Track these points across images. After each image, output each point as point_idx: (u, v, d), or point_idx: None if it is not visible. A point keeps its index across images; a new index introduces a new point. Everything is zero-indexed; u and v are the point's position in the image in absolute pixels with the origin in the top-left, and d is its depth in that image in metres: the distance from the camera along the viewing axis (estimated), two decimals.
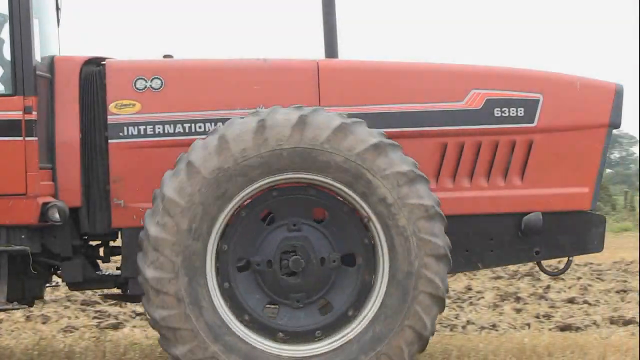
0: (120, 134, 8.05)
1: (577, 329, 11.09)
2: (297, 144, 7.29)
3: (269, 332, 7.48)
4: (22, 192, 7.74)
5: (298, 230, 7.55)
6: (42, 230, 7.96)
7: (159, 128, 8.10)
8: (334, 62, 8.50)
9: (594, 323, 11.41)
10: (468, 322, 11.43)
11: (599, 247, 8.46)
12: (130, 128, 8.07)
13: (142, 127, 8.08)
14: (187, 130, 8.11)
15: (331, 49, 8.72)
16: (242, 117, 7.54)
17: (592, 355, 9.08)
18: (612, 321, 11.49)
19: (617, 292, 14.29)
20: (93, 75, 8.20)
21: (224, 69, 8.33)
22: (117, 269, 8.45)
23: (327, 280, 7.56)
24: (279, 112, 7.41)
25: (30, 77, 7.78)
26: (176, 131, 8.11)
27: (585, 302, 13.20)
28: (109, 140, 8.04)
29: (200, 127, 8.12)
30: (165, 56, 8.64)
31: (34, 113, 7.75)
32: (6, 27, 8.02)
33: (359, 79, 8.31)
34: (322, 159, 7.29)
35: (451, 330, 10.95)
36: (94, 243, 8.53)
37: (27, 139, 7.74)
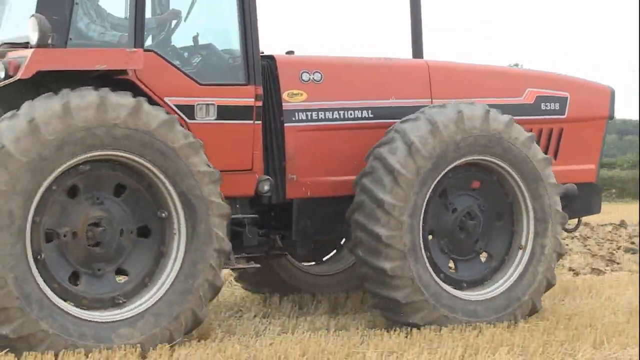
0: (293, 118, 9.54)
1: None
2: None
3: (455, 282, 9.57)
4: (248, 168, 9.13)
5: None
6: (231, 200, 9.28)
7: (321, 114, 9.69)
8: (439, 62, 10.47)
9: None
10: None
11: (599, 210, 11.27)
12: (300, 114, 9.58)
13: (308, 113, 9.63)
14: (342, 117, 9.77)
15: (417, 50, 10.68)
16: (441, 109, 9.42)
17: None
18: None
19: None
20: (265, 68, 9.53)
21: (365, 65, 10.05)
22: (262, 235, 9.75)
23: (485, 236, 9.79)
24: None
25: (259, 68, 9.13)
26: (334, 117, 9.74)
27: None
28: (285, 124, 9.51)
29: (351, 114, 9.81)
30: (287, 52, 10.09)
31: (261, 100, 9.14)
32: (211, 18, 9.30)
33: (457, 76, 10.41)
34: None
35: None
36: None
37: (256, 122, 9.12)
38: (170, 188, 8.26)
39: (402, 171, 9.11)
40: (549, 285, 9.90)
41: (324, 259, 11.49)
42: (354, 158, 9.66)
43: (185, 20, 9.48)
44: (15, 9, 9.16)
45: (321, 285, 11.27)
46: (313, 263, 11.44)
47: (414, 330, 9.03)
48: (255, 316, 10.14)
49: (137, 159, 8.15)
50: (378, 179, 9.15)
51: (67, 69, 8.18)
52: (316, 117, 9.67)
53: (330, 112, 9.74)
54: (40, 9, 8.26)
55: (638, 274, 13.45)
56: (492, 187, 9.81)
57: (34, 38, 8.05)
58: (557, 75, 11.05)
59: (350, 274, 11.29)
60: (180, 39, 9.36)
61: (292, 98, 9.57)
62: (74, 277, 8.28)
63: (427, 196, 9.29)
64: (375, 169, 9.21)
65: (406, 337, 8.84)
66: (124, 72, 8.43)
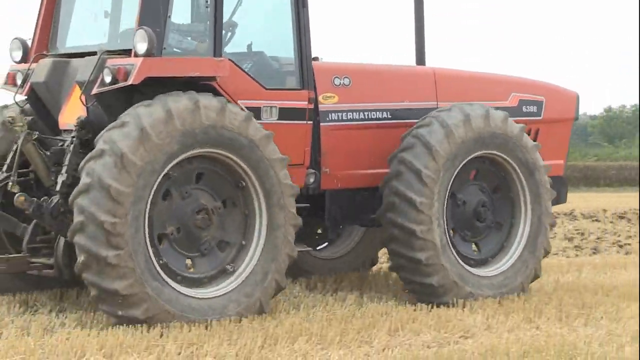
0: (327, 118, 10.83)
1: None
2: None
3: (479, 262, 11.09)
4: (301, 162, 10.42)
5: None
6: None
7: (350, 115, 11.02)
8: (442, 70, 11.91)
9: None
10: None
11: (565, 200, 12.89)
12: (332, 114, 10.88)
13: (339, 114, 10.94)
14: (366, 117, 11.13)
15: (420, 57, 12.12)
16: (450, 113, 10.80)
17: None
18: None
19: None
20: None
21: (384, 72, 11.47)
22: None
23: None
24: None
25: (311, 74, 10.43)
26: (360, 117, 11.08)
27: None
28: (321, 124, 10.78)
29: (373, 115, 11.18)
30: (312, 59, 11.30)
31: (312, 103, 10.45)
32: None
33: (457, 82, 11.89)
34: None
35: None
36: None
37: (307, 122, 10.43)
38: (251, 173, 9.52)
39: (427, 172, 10.50)
40: (546, 252, 11.53)
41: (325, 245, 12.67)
42: (375, 154, 11.06)
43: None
44: (102, 20, 10.28)
45: (326, 267, 12.52)
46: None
47: (214, 321, 9.29)
48: (51, 311, 10.00)
49: (223, 152, 9.39)
50: (406, 181, 10.51)
51: (169, 76, 9.32)
52: (345, 118, 10.98)
53: (357, 113, 11.07)
54: (142, 21, 9.36)
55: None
56: (487, 171, 11.30)
57: (142, 48, 9.18)
58: (535, 81, 12.63)
59: (349, 258, 12.77)
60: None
61: (326, 100, 10.85)
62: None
63: (448, 191, 10.73)
64: (402, 172, 10.56)
65: (206, 329, 9.03)
66: (211, 77, 9.61)
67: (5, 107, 10.33)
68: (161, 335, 8.73)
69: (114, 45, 10.04)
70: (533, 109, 12.40)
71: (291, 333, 8.88)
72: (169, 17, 9.60)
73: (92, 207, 8.82)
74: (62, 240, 9.52)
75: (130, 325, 8.93)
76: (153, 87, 9.36)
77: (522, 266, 11.23)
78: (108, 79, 9.30)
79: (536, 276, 11.45)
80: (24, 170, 9.92)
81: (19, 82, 10.29)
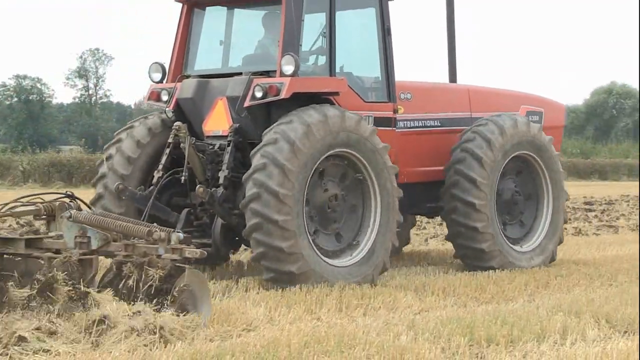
0: (398, 126, 13.43)
1: None
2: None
3: (519, 240, 13.93)
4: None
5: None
6: None
7: (412, 123, 13.70)
8: (474, 87, 14.74)
9: None
10: None
11: None
12: (401, 122, 13.53)
13: (405, 122, 13.61)
14: (423, 125, 13.86)
15: (453, 75, 14.89)
16: (488, 127, 13.55)
17: None
18: None
19: None
20: None
21: (434, 89, 14.24)
22: None
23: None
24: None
25: (394, 89, 13.05)
26: (419, 125, 13.78)
27: None
28: (395, 130, 13.39)
29: (428, 123, 13.89)
30: None
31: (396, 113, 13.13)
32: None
33: (485, 97, 14.74)
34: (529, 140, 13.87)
35: None
36: None
37: (392, 129, 13.11)
38: (364, 161, 12.06)
39: (480, 180, 13.29)
40: (565, 221, 14.55)
41: None
42: (429, 154, 13.81)
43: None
44: (218, 48, 12.74)
45: None
46: None
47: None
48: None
49: (345, 149, 11.91)
50: (464, 188, 13.27)
51: (308, 92, 11.81)
52: (409, 125, 13.66)
53: (417, 122, 13.77)
54: (284, 49, 11.83)
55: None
56: (517, 166, 14.13)
57: (289, 69, 11.65)
58: (536, 96, 15.63)
59: None
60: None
61: (398, 111, 13.44)
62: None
63: (495, 189, 13.54)
64: (459, 180, 13.34)
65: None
66: (334, 92, 12.21)
67: (157, 113, 12.70)
68: None
69: (231, 68, 12.52)
70: (536, 118, 15.30)
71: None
72: (300, 45, 12.08)
73: (266, 210, 11.15)
74: (218, 224, 11.88)
75: None
76: (286, 100, 11.80)
77: (551, 236, 14.11)
78: (259, 94, 11.73)
79: (561, 241, 14.41)
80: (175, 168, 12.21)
81: (164, 98, 12.60)
